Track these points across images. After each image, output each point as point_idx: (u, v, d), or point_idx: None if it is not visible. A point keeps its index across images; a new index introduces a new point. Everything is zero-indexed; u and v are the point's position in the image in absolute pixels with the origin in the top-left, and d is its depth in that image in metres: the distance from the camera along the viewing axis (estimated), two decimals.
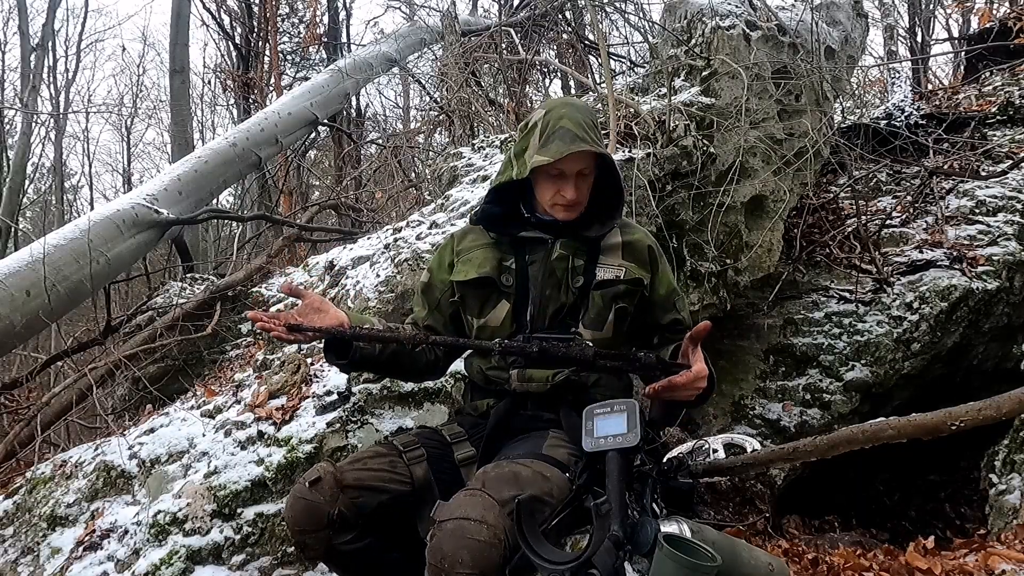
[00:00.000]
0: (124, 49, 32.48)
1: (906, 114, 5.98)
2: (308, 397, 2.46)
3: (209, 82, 15.37)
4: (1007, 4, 8.27)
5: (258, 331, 1.38)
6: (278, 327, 1.44)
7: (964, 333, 4.07)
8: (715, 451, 1.35)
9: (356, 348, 1.55)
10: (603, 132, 3.85)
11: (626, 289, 1.62)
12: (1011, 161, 4.93)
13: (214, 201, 6.24)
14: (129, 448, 2.52)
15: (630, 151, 3.45)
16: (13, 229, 9.75)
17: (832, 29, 4.90)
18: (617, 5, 7.13)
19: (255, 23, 10.94)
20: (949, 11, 10.95)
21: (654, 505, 1.23)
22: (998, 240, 4.36)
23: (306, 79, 9.00)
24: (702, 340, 1.42)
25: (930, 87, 8.43)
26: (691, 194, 3.65)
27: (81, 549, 2.20)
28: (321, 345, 1.61)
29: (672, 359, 1.50)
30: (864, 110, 7.44)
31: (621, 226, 1.72)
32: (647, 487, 1.24)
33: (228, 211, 8.29)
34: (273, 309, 3.18)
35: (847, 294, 4.30)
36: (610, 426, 1.27)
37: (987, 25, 7.46)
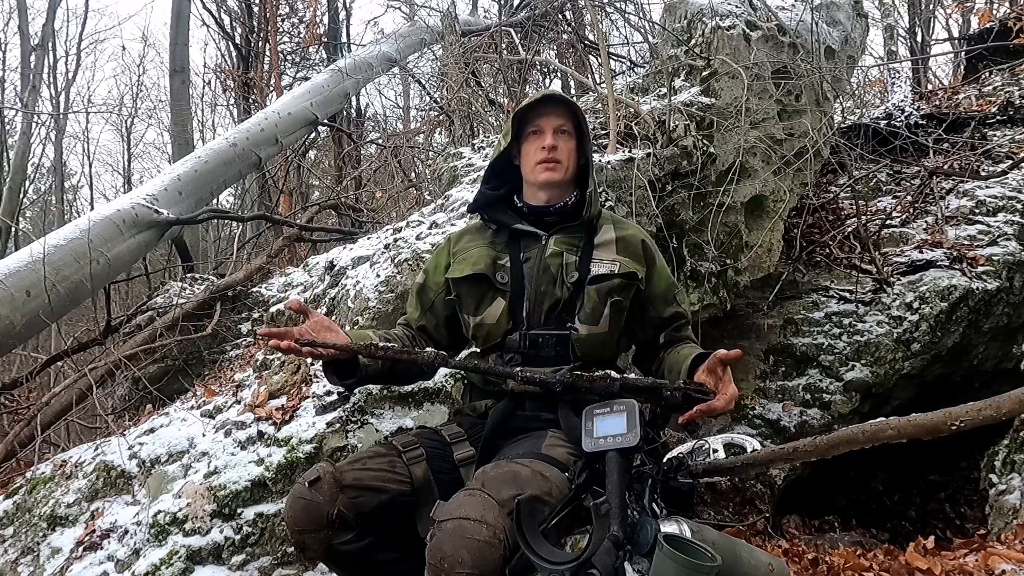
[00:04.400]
0: (124, 49, 32.43)
1: (906, 114, 5.98)
2: (308, 397, 2.46)
3: (209, 82, 15.36)
4: (1007, 4, 8.26)
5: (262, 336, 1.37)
6: (292, 343, 1.42)
7: (964, 333, 4.07)
8: (715, 451, 1.34)
9: (362, 367, 1.54)
10: (603, 132, 3.86)
11: (620, 283, 1.63)
12: (1011, 161, 4.93)
13: (214, 201, 6.24)
14: (129, 448, 2.52)
15: (630, 151, 3.45)
16: (13, 229, 9.75)
17: (832, 29, 4.90)
18: (617, 5, 7.12)
19: (255, 23, 10.94)
20: (949, 11, 10.95)
21: (654, 505, 1.22)
22: (998, 240, 4.36)
23: (306, 79, 9.00)
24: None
25: (930, 87, 8.43)
26: (691, 194, 3.65)
27: (81, 549, 2.20)
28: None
29: (691, 370, 1.45)
30: (864, 110, 7.43)
31: (615, 222, 1.74)
32: (647, 487, 1.24)
33: (228, 211, 8.28)
34: (273, 309, 3.18)
35: (847, 294, 4.30)
36: (609, 426, 1.27)
37: (987, 25, 7.47)
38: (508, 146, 1.72)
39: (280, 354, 2.84)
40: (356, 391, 2.40)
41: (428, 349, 1.57)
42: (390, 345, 1.52)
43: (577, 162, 1.70)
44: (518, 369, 1.48)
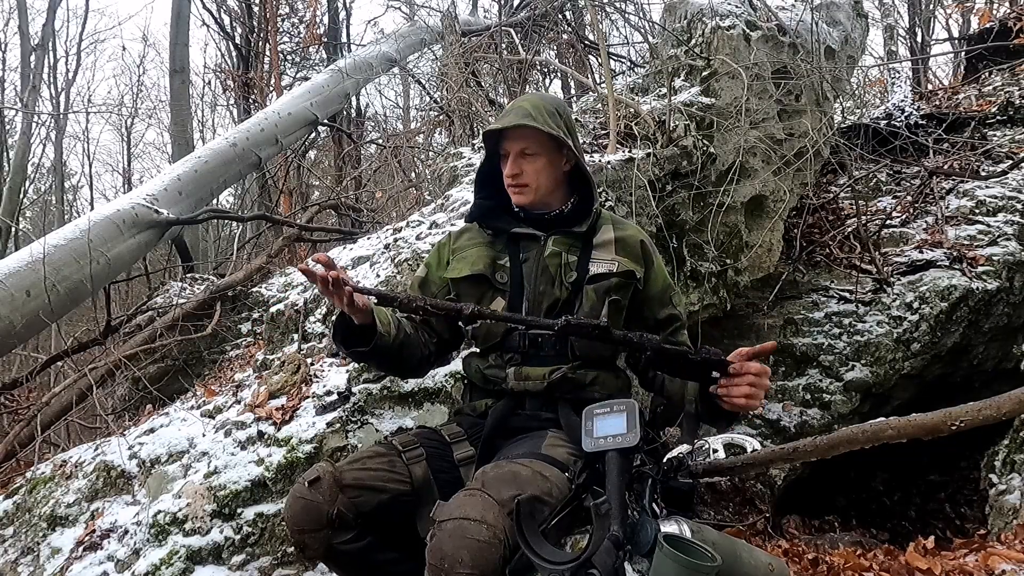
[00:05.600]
0: (124, 49, 32.52)
1: (906, 114, 5.98)
2: (308, 397, 2.45)
3: (209, 82, 15.38)
4: (1007, 4, 8.26)
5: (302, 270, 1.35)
6: (337, 275, 1.39)
7: (964, 333, 4.07)
8: (715, 451, 1.34)
9: (378, 336, 1.53)
10: (603, 132, 3.86)
11: (618, 282, 1.63)
12: (1011, 161, 4.93)
13: (214, 201, 6.23)
14: (129, 448, 2.52)
15: (630, 151, 3.45)
16: (13, 229, 9.76)
17: (832, 29, 4.90)
18: (617, 5, 7.12)
19: (255, 23, 10.93)
20: (949, 11, 10.95)
21: (654, 505, 1.22)
22: (998, 240, 4.36)
23: (306, 79, 8.99)
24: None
25: (930, 87, 8.43)
26: (691, 194, 3.65)
27: (81, 549, 2.20)
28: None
29: (702, 393, 1.44)
30: (864, 110, 7.43)
31: (614, 222, 1.74)
32: (647, 487, 1.24)
33: (228, 211, 8.27)
34: (273, 309, 3.18)
35: (847, 294, 4.30)
36: (609, 426, 1.27)
37: (987, 25, 7.47)
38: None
39: (280, 354, 2.84)
40: (355, 391, 2.40)
41: (467, 304, 1.51)
42: (428, 298, 1.51)
43: (555, 174, 1.68)
44: (563, 319, 1.39)
